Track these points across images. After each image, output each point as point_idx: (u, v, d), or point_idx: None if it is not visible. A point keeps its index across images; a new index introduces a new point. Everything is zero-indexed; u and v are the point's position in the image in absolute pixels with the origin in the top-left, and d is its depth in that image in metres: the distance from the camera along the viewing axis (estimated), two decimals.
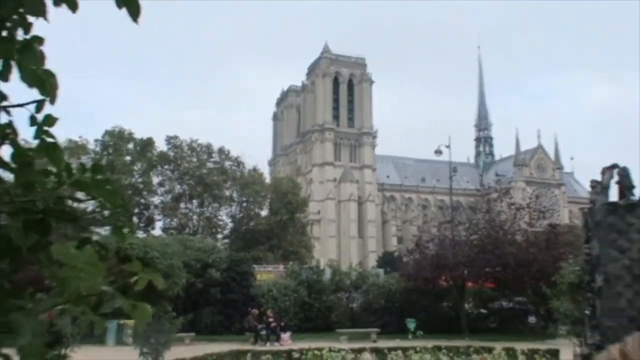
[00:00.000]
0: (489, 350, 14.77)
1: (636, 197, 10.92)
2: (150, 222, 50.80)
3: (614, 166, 11.10)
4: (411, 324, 26.48)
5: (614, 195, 12.31)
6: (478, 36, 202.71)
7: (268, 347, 21.37)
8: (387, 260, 61.08)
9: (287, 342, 23.19)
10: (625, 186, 10.71)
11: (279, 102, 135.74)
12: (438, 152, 39.78)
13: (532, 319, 27.85)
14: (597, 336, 8.77)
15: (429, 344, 15.50)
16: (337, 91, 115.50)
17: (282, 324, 25.37)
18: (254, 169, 54.77)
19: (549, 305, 20.99)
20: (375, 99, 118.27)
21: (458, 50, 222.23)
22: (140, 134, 50.07)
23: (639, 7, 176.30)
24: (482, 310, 29.98)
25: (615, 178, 11.28)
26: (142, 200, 49.90)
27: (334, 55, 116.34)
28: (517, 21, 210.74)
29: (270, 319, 24.96)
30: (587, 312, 9.91)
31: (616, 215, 9.58)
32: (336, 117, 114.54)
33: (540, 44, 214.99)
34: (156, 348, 14.55)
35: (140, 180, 49.18)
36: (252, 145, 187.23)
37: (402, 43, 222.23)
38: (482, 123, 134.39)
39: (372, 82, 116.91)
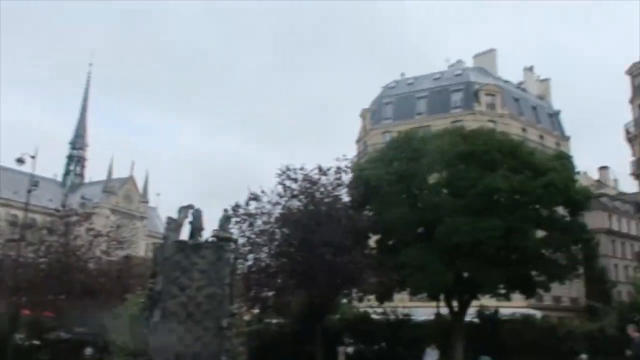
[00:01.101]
0: None
1: (203, 239, 11.80)
2: None
3: (190, 206, 11.78)
4: None
5: (186, 234, 13.09)
6: (92, 52, 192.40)
7: None
8: None
9: None
10: (196, 227, 11.45)
11: None
12: (20, 160, 35.55)
13: (89, 351, 26.88)
14: None
15: None
16: None
17: None
18: None
19: (108, 337, 20.67)
20: None
21: (79, 62, 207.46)
22: None
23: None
24: (34, 342, 27.40)
25: (190, 218, 11.99)
26: None
27: None
28: (131, 52, 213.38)
29: None
30: (140, 346, 9.93)
31: (183, 253, 10.05)
32: None
33: (154, 82, 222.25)
34: None
35: None
36: None
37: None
38: (78, 142, 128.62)
39: None
